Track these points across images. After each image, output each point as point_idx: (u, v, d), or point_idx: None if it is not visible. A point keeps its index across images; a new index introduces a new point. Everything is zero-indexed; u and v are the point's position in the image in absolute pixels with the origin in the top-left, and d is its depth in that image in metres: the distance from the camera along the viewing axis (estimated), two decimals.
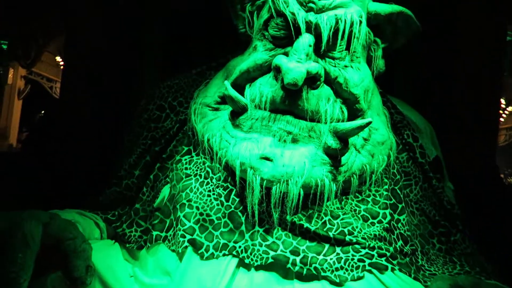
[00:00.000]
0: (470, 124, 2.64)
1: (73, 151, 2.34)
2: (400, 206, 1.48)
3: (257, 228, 1.32)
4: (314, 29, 1.34)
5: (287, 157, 1.29)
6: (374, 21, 1.49)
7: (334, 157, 1.35)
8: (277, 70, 1.33)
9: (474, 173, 2.58)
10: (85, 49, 2.48)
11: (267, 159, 1.30)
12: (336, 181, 1.35)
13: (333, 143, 1.31)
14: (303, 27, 1.32)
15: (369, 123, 1.33)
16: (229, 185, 1.40)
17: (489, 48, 2.67)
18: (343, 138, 1.33)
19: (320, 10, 1.34)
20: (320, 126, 1.35)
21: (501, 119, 6.85)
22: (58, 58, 7.01)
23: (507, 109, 7.10)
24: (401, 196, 1.52)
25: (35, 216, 1.11)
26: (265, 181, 1.28)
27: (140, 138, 1.68)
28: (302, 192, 1.28)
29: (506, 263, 1.70)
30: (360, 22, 1.35)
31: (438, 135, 2.04)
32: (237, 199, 1.38)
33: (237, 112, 1.39)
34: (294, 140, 1.33)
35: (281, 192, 1.27)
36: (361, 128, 1.32)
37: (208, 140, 1.43)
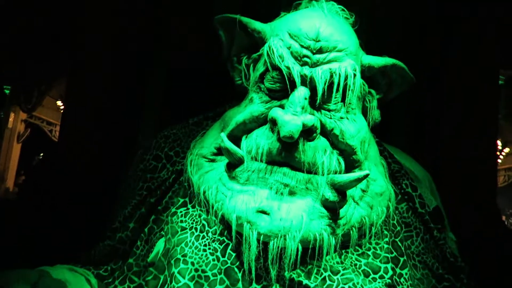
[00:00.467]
0: (469, 169, 2.64)
1: (70, 197, 2.31)
2: (402, 259, 1.43)
3: (254, 285, 1.28)
4: (309, 82, 1.35)
5: (284, 211, 1.27)
6: (368, 73, 1.51)
7: (332, 210, 1.32)
8: (273, 123, 1.34)
9: (475, 219, 2.54)
10: (86, 94, 2.51)
11: (264, 212, 1.27)
12: (335, 234, 1.31)
13: (330, 195, 1.29)
14: (298, 80, 1.34)
15: (367, 175, 1.31)
16: (225, 239, 1.37)
17: (483, 92, 2.73)
18: (341, 190, 1.31)
19: (315, 64, 1.36)
20: (318, 178, 1.33)
21: (499, 161, 6.87)
22: (59, 103, 7.12)
23: (504, 150, 7.14)
24: (403, 248, 1.48)
25: (24, 276, 1.07)
26: (262, 236, 1.25)
27: (136, 189, 1.66)
28: (300, 247, 1.24)
29: None
30: (354, 75, 1.37)
31: (437, 183, 2.03)
32: (234, 254, 1.34)
33: (234, 164, 1.38)
34: (291, 193, 1.31)
35: (278, 247, 1.24)
36: (359, 180, 1.31)
37: (204, 192, 1.41)
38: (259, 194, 1.30)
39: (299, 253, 1.24)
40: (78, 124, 2.50)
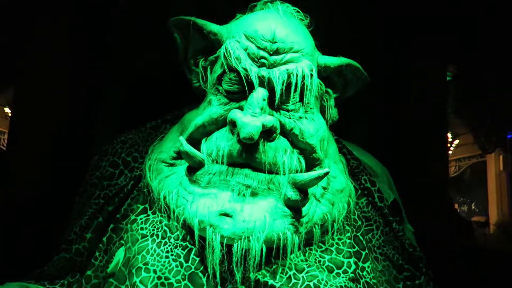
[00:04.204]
0: (422, 161, 2.76)
1: (19, 209, 2.19)
2: (363, 253, 1.47)
3: None
4: (267, 84, 1.36)
5: (247, 212, 1.26)
6: (325, 73, 1.54)
7: (295, 208, 1.33)
8: (233, 125, 1.33)
9: (430, 208, 2.67)
10: (35, 100, 2.38)
11: (226, 215, 1.26)
12: (299, 233, 1.33)
13: (292, 194, 1.30)
14: (256, 82, 1.34)
15: (327, 173, 1.33)
16: (188, 244, 1.34)
17: (431, 88, 2.86)
18: (302, 189, 1.32)
19: (272, 65, 1.37)
20: (279, 178, 1.34)
21: (449, 152, 7.25)
22: (6, 109, 6.72)
23: (454, 142, 7.54)
24: (364, 242, 1.51)
25: None
26: (225, 239, 1.24)
27: (92, 198, 1.60)
28: (264, 248, 1.24)
29: None
30: (311, 75, 1.39)
31: (393, 176, 2.10)
32: (197, 259, 1.31)
33: (194, 167, 1.36)
34: (254, 194, 1.31)
35: (242, 249, 1.23)
36: (319, 178, 1.32)
37: (165, 197, 1.38)
38: (221, 197, 1.29)
39: (264, 253, 1.24)
40: (27, 131, 2.38)
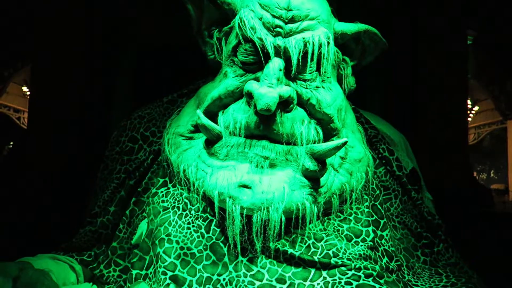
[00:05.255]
0: (441, 128, 2.72)
1: (44, 184, 2.26)
2: (382, 221, 1.48)
3: (240, 258, 1.29)
4: (283, 53, 1.33)
5: (265, 183, 1.27)
6: (342, 41, 1.50)
7: (313, 179, 1.33)
8: (249, 96, 1.32)
9: (449, 176, 2.65)
10: (52, 78, 2.42)
11: (245, 186, 1.27)
12: (317, 203, 1.33)
13: (311, 165, 1.30)
14: (272, 52, 1.32)
15: (345, 142, 1.32)
16: (208, 216, 1.37)
17: (452, 53, 2.78)
18: (320, 159, 1.32)
19: (288, 34, 1.34)
20: (297, 149, 1.33)
21: (469, 119, 7.10)
22: (24, 88, 6.81)
23: (474, 109, 7.36)
24: (382, 211, 1.52)
25: (3, 270, 1.04)
26: (245, 210, 1.25)
27: (113, 173, 1.63)
28: (283, 218, 1.26)
29: (488, 265, 1.72)
30: (328, 43, 1.35)
31: (411, 144, 2.07)
32: (218, 230, 1.34)
33: (212, 140, 1.36)
34: (272, 165, 1.31)
35: (262, 219, 1.25)
36: (337, 148, 1.31)
37: (184, 170, 1.40)
38: (239, 169, 1.30)
39: (283, 223, 1.26)
40: (47, 108, 2.42)
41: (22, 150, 2.56)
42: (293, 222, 1.31)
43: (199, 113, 1.35)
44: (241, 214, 1.25)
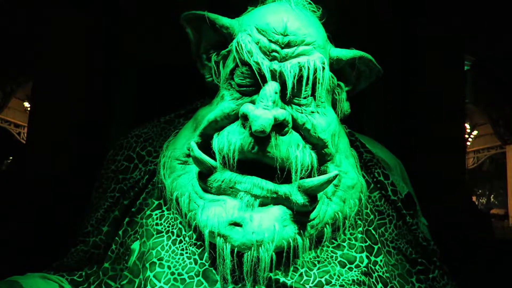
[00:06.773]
0: (439, 153, 2.72)
1: (41, 200, 2.25)
2: (376, 247, 1.46)
3: (232, 286, 1.27)
4: (279, 77, 1.35)
5: (256, 222, 1.26)
6: (337, 66, 1.52)
7: (305, 212, 1.33)
8: (245, 118, 1.32)
9: (447, 201, 2.63)
10: (53, 94, 2.45)
11: (236, 224, 1.26)
12: (310, 235, 1.33)
13: (302, 201, 1.30)
14: (268, 75, 1.33)
15: (337, 175, 1.32)
16: (202, 243, 1.35)
17: (449, 78, 2.80)
18: (312, 194, 1.32)
19: (284, 59, 1.35)
20: (288, 188, 1.32)
21: (468, 143, 7.11)
22: (26, 104, 6.88)
23: (472, 133, 7.38)
24: (376, 236, 1.50)
25: None
26: (236, 248, 1.25)
27: (108, 191, 1.62)
28: (274, 256, 1.25)
29: None
30: (323, 68, 1.37)
31: (408, 168, 2.07)
32: (211, 260, 1.33)
33: (205, 173, 1.36)
34: (262, 204, 1.30)
35: (252, 260, 1.24)
36: (329, 182, 1.31)
37: (177, 198, 1.40)
38: (230, 205, 1.29)
39: (273, 260, 1.25)
40: (46, 124, 2.44)
41: (21, 165, 2.57)
42: (285, 255, 1.29)
43: (193, 144, 1.35)
44: (232, 251, 1.25)
